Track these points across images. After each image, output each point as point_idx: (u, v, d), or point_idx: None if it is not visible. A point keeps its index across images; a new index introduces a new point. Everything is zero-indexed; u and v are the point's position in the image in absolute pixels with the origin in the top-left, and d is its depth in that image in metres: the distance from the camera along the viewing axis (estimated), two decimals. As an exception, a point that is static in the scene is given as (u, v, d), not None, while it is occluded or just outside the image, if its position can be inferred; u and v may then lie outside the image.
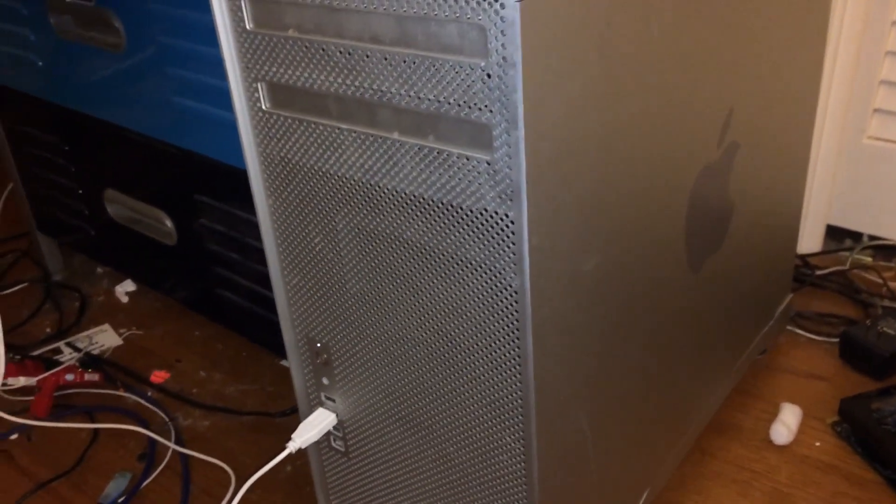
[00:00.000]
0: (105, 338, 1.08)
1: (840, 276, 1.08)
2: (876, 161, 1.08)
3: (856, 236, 1.15)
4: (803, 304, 1.03)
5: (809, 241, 1.14)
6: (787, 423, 0.83)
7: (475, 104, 0.43)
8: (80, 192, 1.06)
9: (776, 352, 0.95)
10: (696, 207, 0.63)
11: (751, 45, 0.66)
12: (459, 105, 0.44)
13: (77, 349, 1.04)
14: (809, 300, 1.04)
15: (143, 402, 0.95)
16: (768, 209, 0.82)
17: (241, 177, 0.59)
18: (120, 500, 0.81)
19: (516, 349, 0.49)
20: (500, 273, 0.47)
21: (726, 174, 0.68)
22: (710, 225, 0.68)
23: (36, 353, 1.04)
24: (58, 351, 1.05)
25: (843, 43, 1.01)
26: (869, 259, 1.12)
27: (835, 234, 1.16)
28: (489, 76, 0.42)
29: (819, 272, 1.09)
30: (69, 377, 0.96)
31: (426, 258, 0.51)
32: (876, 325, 0.92)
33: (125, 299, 1.16)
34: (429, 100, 0.45)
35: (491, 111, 0.43)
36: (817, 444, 0.82)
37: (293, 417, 0.66)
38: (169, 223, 0.95)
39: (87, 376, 0.97)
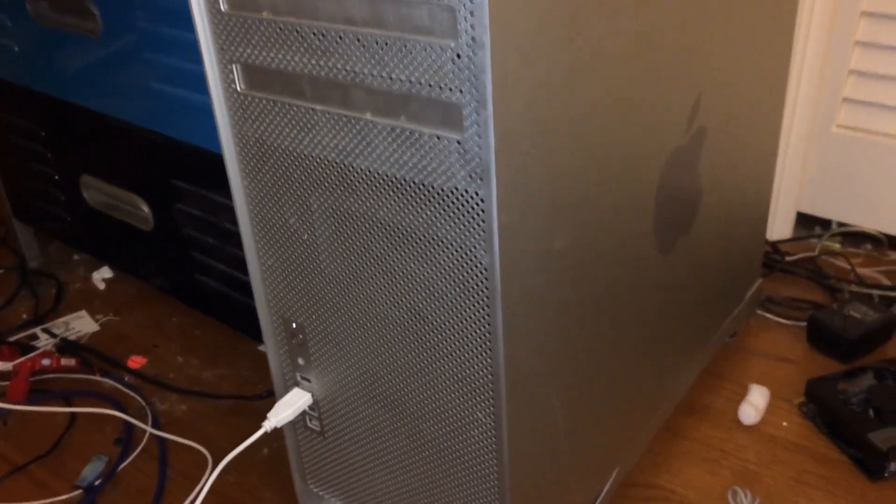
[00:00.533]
0: (82, 324, 1.08)
1: (809, 262, 1.10)
2: (845, 150, 1.10)
3: (825, 224, 1.17)
4: (773, 289, 1.05)
5: (780, 227, 1.16)
6: (755, 404, 0.84)
7: (445, 84, 0.44)
8: (57, 178, 1.06)
9: (746, 335, 0.97)
10: (665, 190, 0.65)
11: (720, 32, 0.67)
12: (430, 85, 0.45)
13: (53, 335, 1.04)
14: (779, 285, 1.06)
15: (119, 386, 0.95)
16: (738, 194, 0.84)
17: (218, 161, 0.59)
18: (97, 483, 0.82)
19: (486, 326, 0.50)
20: (470, 251, 0.48)
21: (695, 158, 0.69)
22: (680, 208, 0.70)
23: (12, 339, 1.04)
24: (34, 337, 1.05)
25: (812, 31, 1.03)
26: (838, 246, 1.14)
27: (805, 221, 1.18)
28: (458, 57, 0.42)
29: (789, 258, 1.11)
30: (45, 362, 0.96)
31: (398, 237, 0.51)
32: (843, 310, 0.94)
33: (102, 286, 1.16)
34: (400, 80, 0.46)
35: (461, 91, 0.43)
36: (784, 424, 0.84)
37: (270, 401, 0.67)
38: (146, 208, 0.95)
39: (63, 361, 0.97)
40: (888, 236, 1.12)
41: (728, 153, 0.77)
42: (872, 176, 1.09)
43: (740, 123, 0.77)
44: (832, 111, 1.09)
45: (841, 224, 1.16)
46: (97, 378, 0.97)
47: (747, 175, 0.85)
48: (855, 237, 1.15)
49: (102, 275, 1.17)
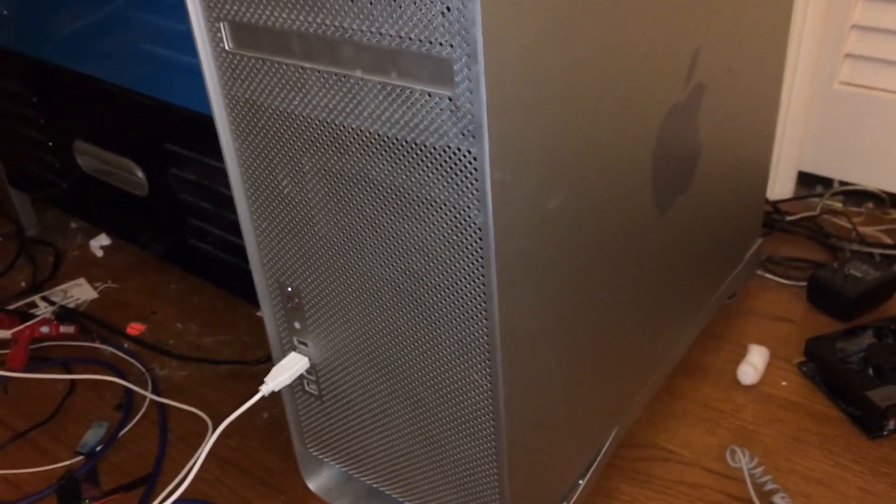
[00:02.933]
0: (80, 291, 1.07)
1: (810, 221, 1.10)
2: (847, 107, 1.09)
3: (827, 182, 1.16)
4: (773, 249, 1.04)
5: (781, 187, 1.15)
6: (753, 364, 0.84)
7: (435, 39, 0.43)
8: (51, 144, 1.05)
9: (745, 295, 0.97)
10: (663, 147, 0.64)
11: (718, -14, 0.66)
12: (420, 40, 0.44)
13: (52, 303, 1.04)
14: (779, 245, 1.06)
15: (119, 353, 0.95)
16: (738, 152, 0.83)
17: (210, 124, 0.58)
18: (98, 449, 0.82)
19: (481, 286, 0.49)
20: (464, 210, 0.47)
21: (694, 115, 0.68)
22: (678, 166, 0.69)
23: (11, 307, 1.03)
24: (33, 305, 1.04)
25: (814, -13, 1.02)
26: (839, 205, 1.13)
27: (806, 180, 1.17)
28: (448, 9, 0.41)
29: (789, 218, 1.10)
30: (44, 329, 0.96)
31: (392, 198, 0.51)
32: (843, 268, 0.93)
33: (100, 253, 1.16)
34: (390, 35, 0.45)
35: (451, 45, 0.42)
36: (783, 383, 0.84)
37: (269, 366, 0.67)
38: (140, 174, 0.94)
39: (62, 329, 0.97)
40: (890, 195, 1.11)
41: (727, 110, 0.75)
42: (875, 133, 1.08)
43: (740, 80, 0.76)
44: (834, 67, 1.07)
45: (843, 183, 1.15)
46: (96, 345, 0.97)
47: (747, 133, 0.84)
48: (857, 196, 1.14)
49: (100, 242, 1.17)
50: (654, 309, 0.74)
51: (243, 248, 0.63)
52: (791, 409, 0.81)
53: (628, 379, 0.74)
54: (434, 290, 0.52)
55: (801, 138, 1.13)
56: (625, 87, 0.56)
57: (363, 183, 0.52)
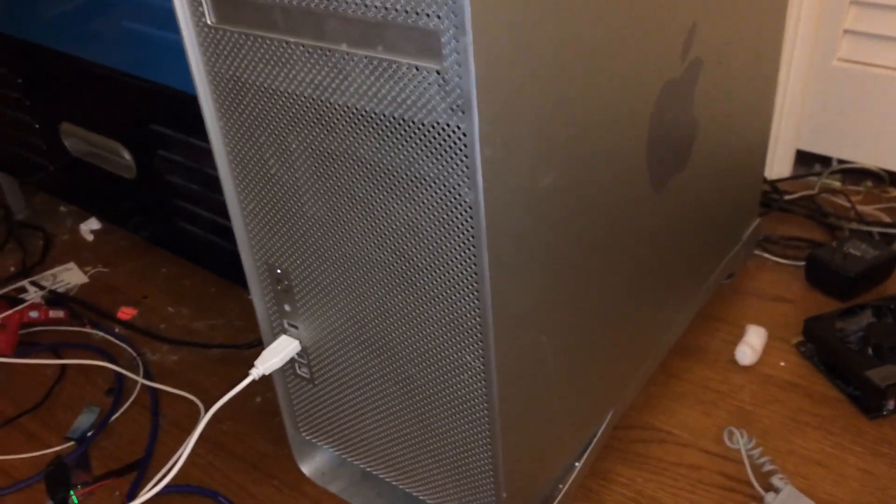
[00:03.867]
0: (70, 276, 1.06)
1: (808, 200, 1.08)
2: (846, 84, 1.07)
3: (825, 161, 1.15)
4: (771, 228, 1.03)
5: (779, 166, 1.14)
6: (751, 345, 0.83)
7: (422, 10, 0.41)
8: (37, 126, 1.03)
9: (743, 275, 0.96)
10: (658, 125, 0.62)
11: (715, -43, 0.64)
12: (407, 11, 0.42)
13: (42, 287, 1.03)
14: (777, 225, 1.04)
15: (110, 338, 0.94)
16: (735, 130, 0.81)
17: (196, 104, 0.57)
18: (89, 434, 0.81)
19: (472, 266, 0.48)
20: (454, 188, 0.46)
21: (690, 92, 0.67)
22: (674, 143, 0.67)
23: (0, 292, 1.02)
24: (22, 290, 1.03)
25: (813, -39, 1.00)
26: (838, 183, 1.12)
27: (804, 159, 1.16)
28: (435, -21, 0.40)
29: (788, 197, 1.09)
30: (33, 314, 0.95)
31: (380, 176, 0.49)
32: (842, 247, 0.92)
33: (90, 237, 1.14)
34: (375, 7, 0.43)
35: (438, 17, 0.41)
36: (781, 363, 0.83)
37: (261, 349, 0.66)
38: (127, 156, 0.93)
39: (51, 313, 0.96)
40: (889, 173, 1.10)
41: (725, 87, 0.74)
42: (874, 111, 1.07)
43: (737, 56, 0.75)
44: (833, 43, 1.05)
45: (841, 161, 1.13)
46: (87, 330, 0.96)
47: (745, 110, 0.83)
48: (855, 174, 1.12)
49: (90, 226, 1.16)
50: (650, 289, 0.73)
51: (233, 231, 0.62)
52: (789, 390, 0.80)
53: (624, 360, 0.73)
54: (425, 270, 0.51)
55: (799, 116, 1.11)
56: (619, 61, 0.55)
57: (351, 161, 0.50)
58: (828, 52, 1.06)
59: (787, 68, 1.06)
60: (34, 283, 1.04)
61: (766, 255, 0.99)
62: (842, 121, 1.10)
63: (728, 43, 0.71)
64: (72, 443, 0.81)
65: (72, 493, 0.73)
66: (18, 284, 1.04)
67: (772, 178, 1.13)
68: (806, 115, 1.12)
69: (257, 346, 0.90)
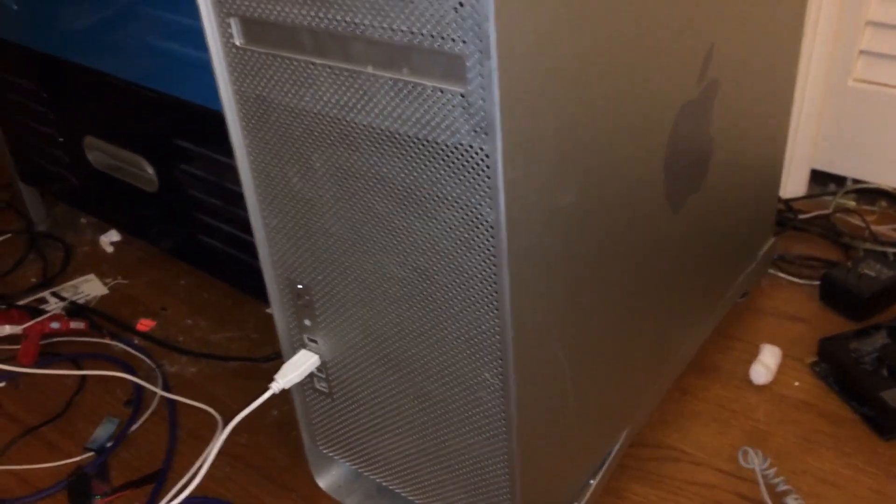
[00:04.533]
0: (90, 287, 1.08)
1: (823, 219, 1.09)
2: (861, 104, 1.08)
3: (840, 180, 1.15)
4: (786, 247, 1.04)
5: (793, 185, 1.14)
6: (766, 364, 0.84)
7: (448, 34, 0.42)
8: (61, 139, 1.05)
9: (758, 294, 0.96)
10: (676, 145, 0.63)
11: (733, -19, 0.65)
12: (432, 36, 0.43)
13: (62, 298, 1.04)
14: (792, 244, 1.05)
15: (129, 349, 0.95)
16: (751, 150, 0.82)
17: (221, 120, 0.58)
18: (108, 445, 0.82)
19: (493, 284, 0.49)
20: (475, 208, 0.47)
21: (707, 112, 0.68)
22: (691, 163, 0.68)
23: (21, 302, 1.04)
24: (43, 300, 1.05)
25: (829, -17, 1.01)
26: (853, 203, 1.12)
27: (819, 178, 1.16)
28: (461, 5, 0.41)
29: (802, 216, 1.09)
30: (55, 325, 0.96)
31: (402, 195, 0.50)
32: (857, 267, 0.92)
33: (110, 249, 1.16)
34: (402, 31, 0.44)
35: (464, 41, 0.42)
36: (796, 383, 0.83)
37: (279, 362, 0.66)
38: (150, 169, 0.94)
39: (72, 324, 0.97)
40: (904, 193, 1.10)
41: (741, 107, 0.75)
42: (889, 131, 1.07)
43: (754, 77, 0.75)
44: (848, 64, 1.06)
45: (856, 181, 1.13)
46: (107, 341, 0.97)
47: (761, 130, 0.83)
48: (870, 194, 1.13)
49: (110, 238, 1.17)
50: (665, 308, 0.73)
51: (253, 245, 0.63)
52: (804, 410, 0.80)
53: (639, 378, 0.73)
54: (445, 287, 0.52)
55: (814, 136, 1.12)
56: (638, 83, 0.56)
57: (374, 180, 0.51)
58: (843, 73, 1.07)
59: (802, 88, 1.07)
60: (55, 294, 1.05)
61: (781, 275, 0.99)
62: (857, 140, 1.10)
63: (745, 64, 0.72)
64: (91, 453, 0.82)
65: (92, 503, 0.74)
66: (39, 295, 1.05)
67: (786, 198, 1.13)
68: (821, 135, 1.12)
69: (274, 359, 0.91)
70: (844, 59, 1.06)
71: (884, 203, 1.11)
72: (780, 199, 1.08)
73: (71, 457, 0.81)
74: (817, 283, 0.95)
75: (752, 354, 0.86)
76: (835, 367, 0.83)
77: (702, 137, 0.69)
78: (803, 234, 1.07)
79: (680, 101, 0.62)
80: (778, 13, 0.77)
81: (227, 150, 0.59)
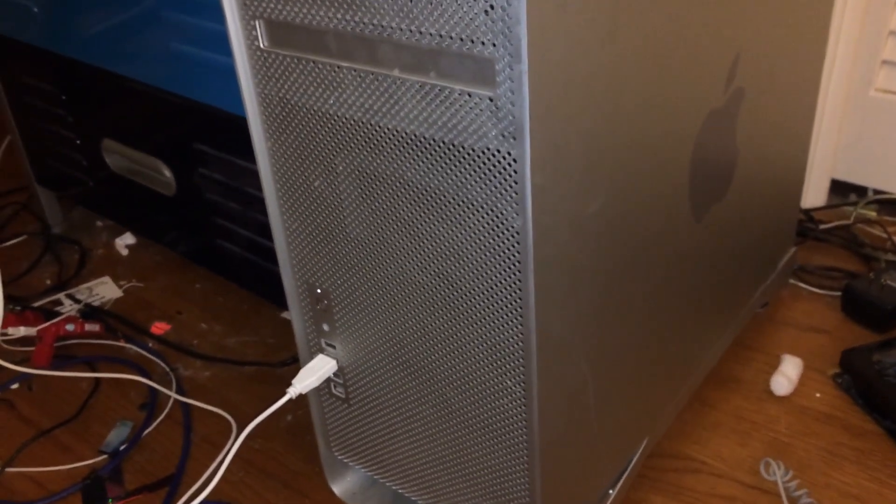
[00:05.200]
0: (105, 290, 1.07)
1: (844, 230, 1.08)
2: (883, 114, 1.07)
3: (861, 191, 1.14)
4: (806, 258, 1.02)
5: (814, 195, 1.13)
6: (787, 375, 0.83)
7: (477, 38, 0.42)
8: (79, 142, 1.05)
9: (778, 305, 0.95)
10: (701, 153, 0.62)
11: (760, -12, 0.64)
12: (461, 39, 0.43)
13: (77, 301, 1.04)
14: (813, 254, 1.04)
15: (143, 352, 0.95)
16: (774, 159, 0.81)
17: (241, 124, 0.58)
18: (121, 448, 0.82)
19: (517, 291, 0.48)
20: (501, 213, 0.46)
21: (732, 121, 0.67)
22: (715, 173, 0.67)
23: (36, 304, 1.04)
24: (58, 303, 1.05)
25: (852, -8, 1.00)
26: (874, 213, 1.11)
27: (840, 188, 1.15)
28: (492, 7, 0.40)
29: (823, 226, 1.08)
30: (69, 327, 0.96)
31: (427, 199, 0.50)
32: (879, 279, 0.91)
33: (125, 252, 1.16)
34: (430, 34, 0.44)
35: (494, 45, 0.41)
36: (818, 395, 0.82)
37: (294, 368, 0.66)
38: (168, 173, 0.94)
39: (87, 327, 0.97)
40: (926, 204, 1.09)
41: (765, 117, 0.74)
42: (911, 142, 1.06)
43: (778, 85, 0.75)
44: (870, 74, 1.05)
45: (877, 191, 1.12)
46: (121, 344, 0.97)
47: (784, 139, 0.82)
48: (892, 205, 1.11)
49: (125, 241, 1.17)
50: (687, 317, 0.72)
51: (270, 250, 0.63)
52: (826, 422, 0.79)
53: (660, 388, 0.72)
54: (468, 294, 0.51)
55: (835, 146, 1.11)
56: (666, 90, 0.55)
57: (398, 184, 0.51)
58: (865, 83, 1.06)
59: (823, 98, 1.06)
60: (70, 297, 1.05)
61: (802, 285, 0.98)
62: (878, 151, 1.09)
63: (770, 72, 0.71)
64: (105, 456, 0.81)
65: (106, 506, 0.74)
66: (54, 297, 1.05)
67: (806, 207, 1.12)
68: (842, 145, 1.11)
69: (290, 364, 0.91)
70: (866, 68, 1.05)
71: (905, 214, 1.10)
72: (800, 209, 1.07)
73: (84, 460, 0.81)
74: (838, 293, 0.94)
75: (773, 366, 0.85)
76: (857, 378, 0.82)
77: (727, 146, 0.68)
78: (824, 244, 1.06)
79: (706, 109, 0.61)
80: (803, 22, 0.76)
81: (247, 153, 0.58)
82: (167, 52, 0.82)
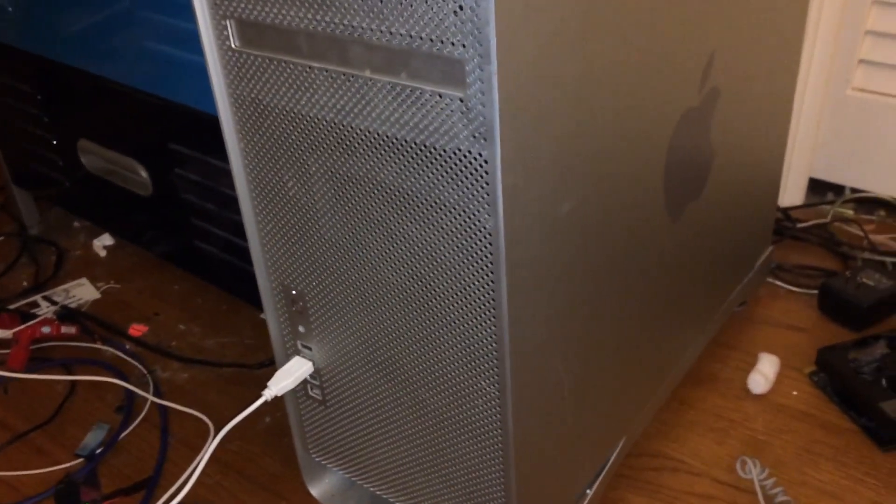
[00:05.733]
0: (82, 291, 1.06)
1: (821, 228, 1.08)
2: (860, 113, 1.07)
3: (838, 189, 1.15)
4: (784, 256, 1.03)
5: (791, 194, 1.14)
6: (764, 373, 0.83)
7: (447, 39, 0.42)
8: (55, 142, 1.04)
9: (756, 303, 0.96)
10: (675, 153, 0.63)
11: (734, -12, 0.64)
12: (432, 40, 0.42)
13: (54, 302, 1.03)
14: (790, 253, 1.04)
15: (120, 354, 0.94)
16: (750, 158, 0.81)
17: (215, 124, 0.57)
18: (98, 451, 0.81)
19: (490, 292, 0.48)
20: (474, 214, 0.46)
21: (707, 121, 0.67)
22: (691, 172, 0.67)
23: (12, 306, 1.03)
24: (35, 305, 1.03)
25: (828, -9, 1.00)
26: (851, 212, 1.12)
27: (817, 187, 1.16)
28: (461, 8, 0.40)
29: (800, 225, 1.08)
30: (45, 330, 0.95)
31: (400, 201, 0.50)
32: (855, 277, 0.92)
33: (103, 253, 1.15)
34: (400, 35, 0.44)
35: (463, 46, 0.41)
36: (794, 393, 0.83)
37: (272, 369, 0.66)
38: (144, 173, 0.93)
39: (63, 329, 0.96)
40: (902, 202, 1.10)
41: (741, 116, 0.74)
42: (888, 140, 1.07)
43: (754, 85, 0.75)
44: (847, 73, 1.06)
45: (854, 190, 1.13)
46: (98, 346, 0.96)
47: (760, 139, 0.83)
48: (868, 203, 1.12)
49: (103, 242, 1.16)
50: (664, 316, 0.72)
51: (247, 250, 0.62)
52: (802, 420, 0.79)
53: (637, 387, 0.72)
54: (442, 295, 0.51)
55: (812, 144, 1.11)
56: (639, 90, 0.55)
57: (371, 185, 0.51)
58: (842, 82, 1.07)
59: (801, 97, 1.06)
60: (46, 298, 1.04)
61: (779, 283, 0.99)
62: (855, 149, 1.10)
63: (745, 72, 0.71)
64: (81, 460, 0.81)
65: (81, 510, 0.73)
66: (31, 299, 1.04)
67: (784, 206, 1.13)
68: (819, 144, 1.12)
69: (268, 365, 0.90)
70: (844, 67, 1.06)
71: (882, 212, 1.11)
72: (778, 208, 1.08)
73: (60, 463, 0.80)
74: (815, 292, 0.95)
75: (750, 364, 0.85)
76: (834, 377, 0.82)
77: (702, 146, 0.68)
78: (801, 243, 1.06)
79: (680, 109, 0.62)
80: (778, 22, 0.76)
81: (223, 154, 0.58)
82: (142, 51, 0.81)
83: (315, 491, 0.74)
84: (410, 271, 0.52)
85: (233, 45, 0.52)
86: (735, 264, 0.88)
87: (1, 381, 0.91)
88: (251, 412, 0.63)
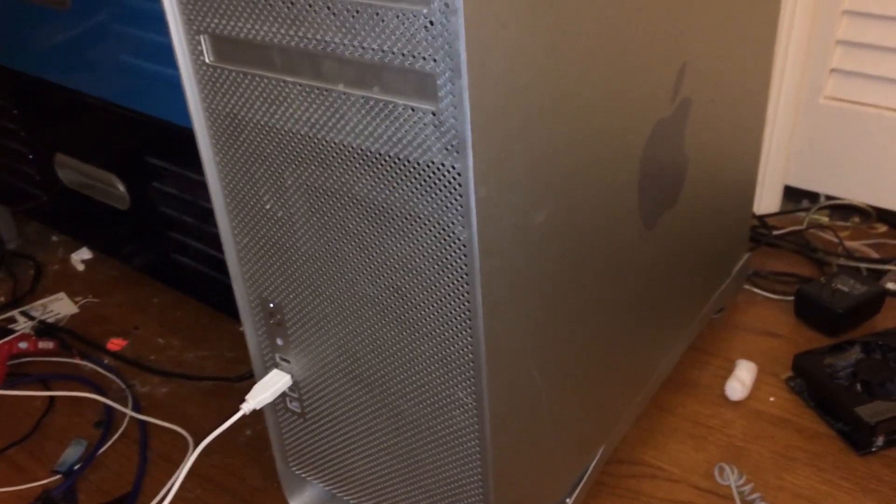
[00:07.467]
0: (60, 306, 1.06)
1: (797, 235, 1.10)
2: (833, 121, 1.09)
3: (813, 197, 1.16)
4: (760, 263, 1.04)
5: (767, 201, 1.15)
6: (742, 380, 0.84)
7: (419, 53, 0.42)
8: (31, 157, 1.03)
9: (733, 310, 0.97)
10: (649, 163, 0.63)
11: (705, 0, 0.65)
12: (403, 54, 0.43)
13: (31, 317, 1.02)
14: (766, 260, 1.05)
15: (99, 369, 0.94)
16: (724, 166, 0.82)
17: (191, 137, 0.57)
18: (76, 467, 0.80)
19: (466, 303, 0.49)
20: (448, 226, 0.47)
21: (681, 130, 0.68)
22: (665, 181, 0.68)
23: (-11, 322, 1.02)
24: (12, 320, 1.03)
25: (800, 1, 1.02)
26: (826, 219, 1.13)
27: (792, 194, 1.17)
28: (431, 23, 0.41)
29: (776, 232, 1.10)
30: (22, 345, 0.94)
31: (374, 213, 0.50)
32: (830, 283, 0.93)
33: (81, 267, 1.14)
34: (373, 50, 0.44)
35: (434, 60, 0.42)
36: (771, 399, 0.84)
37: (252, 382, 0.66)
38: (121, 187, 0.93)
39: (41, 344, 0.95)
40: (876, 209, 1.11)
41: (714, 125, 0.75)
42: (861, 148, 1.08)
43: (726, 95, 0.76)
44: (820, 82, 1.07)
45: (829, 197, 1.15)
46: (76, 361, 0.95)
47: (734, 148, 0.84)
48: (843, 210, 1.14)
49: (81, 256, 1.15)
50: (641, 325, 0.73)
51: (225, 263, 0.62)
52: (779, 425, 0.80)
53: (616, 395, 0.73)
54: (418, 306, 0.51)
55: (787, 153, 1.13)
56: (611, 102, 0.56)
57: (346, 198, 0.51)
58: (815, 91, 1.08)
59: (774, 106, 1.08)
60: (24, 314, 1.03)
61: (756, 290, 1.00)
62: (829, 157, 1.11)
63: (717, 82, 0.72)
64: (59, 476, 0.80)
65: (59, 527, 0.72)
66: (8, 315, 1.03)
67: (760, 213, 1.14)
68: (794, 152, 1.13)
69: (248, 378, 0.90)
70: (816, 77, 1.07)
71: (857, 219, 1.12)
72: (753, 216, 1.09)
73: (38, 480, 0.80)
74: (791, 298, 0.96)
75: (728, 370, 0.86)
76: (810, 382, 0.83)
77: (675, 156, 0.69)
78: (777, 249, 1.08)
79: (653, 119, 0.62)
80: (750, 33, 0.77)
81: (199, 167, 0.58)
82: (118, 66, 0.81)
83: (295, 504, 0.74)
84: (386, 283, 0.52)
85: (207, 60, 0.52)
86: (712, 271, 0.89)
87: (-23, 398, 0.90)
88: (231, 425, 0.62)
